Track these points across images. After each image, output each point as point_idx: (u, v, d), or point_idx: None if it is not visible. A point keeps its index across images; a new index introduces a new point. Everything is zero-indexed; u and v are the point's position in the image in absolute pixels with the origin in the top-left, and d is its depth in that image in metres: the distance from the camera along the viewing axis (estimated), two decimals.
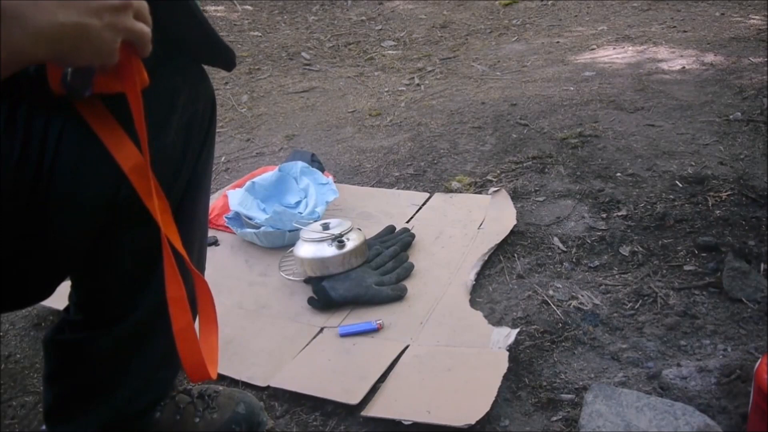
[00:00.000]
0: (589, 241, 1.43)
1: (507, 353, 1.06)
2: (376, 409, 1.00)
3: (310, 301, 1.30)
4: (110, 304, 0.80)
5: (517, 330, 1.13)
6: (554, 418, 0.98)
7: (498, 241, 1.44)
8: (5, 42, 0.48)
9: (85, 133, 0.65)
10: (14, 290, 0.71)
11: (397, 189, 1.80)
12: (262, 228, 1.49)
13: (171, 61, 0.73)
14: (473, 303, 1.27)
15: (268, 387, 1.09)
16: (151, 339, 0.81)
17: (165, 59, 0.71)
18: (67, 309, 0.87)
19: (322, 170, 1.74)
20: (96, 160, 0.66)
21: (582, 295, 1.26)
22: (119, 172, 0.66)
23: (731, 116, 2.03)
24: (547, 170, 1.79)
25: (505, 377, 1.01)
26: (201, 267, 0.86)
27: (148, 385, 0.84)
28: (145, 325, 0.80)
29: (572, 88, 2.49)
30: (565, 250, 1.42)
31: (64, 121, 0.65)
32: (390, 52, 3.46)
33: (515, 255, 1.42)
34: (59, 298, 0.82)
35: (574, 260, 1.38)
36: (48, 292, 0.75)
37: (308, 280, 1.35)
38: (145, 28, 0.59)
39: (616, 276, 1.31)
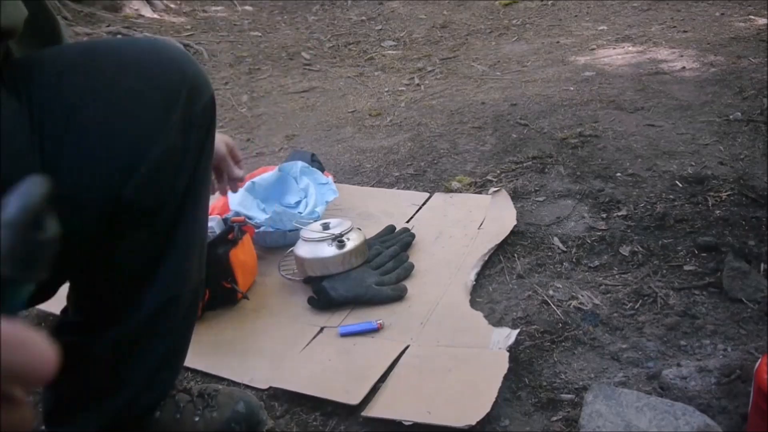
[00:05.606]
0: (589, 241, 1.43)
1: (507, 353, 1.06)
2: (376, 410, 1.00)
3: (310, 300, 1.30)
4: (110, 306, 0.80)
5: (518, 331, 1.13)
6: (554, 418, 0.98)
7: (498, 242, 1.44)
8: None
9: (88, 134, 0.65)
10: None
11: (397, 189, 1.80)
12: (262, 228, 1.49)
13: (166, 61, 0.72)
14: (473, 303, 1.27)
15: (269, 387, 1.09)
16: (152, 340, 0.81)
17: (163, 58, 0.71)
18: (65, 310, 0.87)
19: (322, 170, 1.74)
20: (98, 160, 0.66)
21: (582, 295, 1.26)
22: (122, 172, 0.66)
23: (731, 116, 2.03)
24: (547, 170, 1.78)
25: (506, 377, 1.01)
26: (202, 269, 0.85)
27: (148, 387, 0.84)
28: (146, 327, 0.79)
29: (572, 88, 2.49)
30: (565, 250, 1.42)
31: (66, 124, 0.64)
32: (390, 52, 3.45)
33: (515, 255, 1.42)
34: (58, 299, 0.82)
35: (574, 260, 1.38)
36: (49, 293, 0.75)
37: (308, 280, 1.35)
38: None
39: (616, 276, 1.31)
